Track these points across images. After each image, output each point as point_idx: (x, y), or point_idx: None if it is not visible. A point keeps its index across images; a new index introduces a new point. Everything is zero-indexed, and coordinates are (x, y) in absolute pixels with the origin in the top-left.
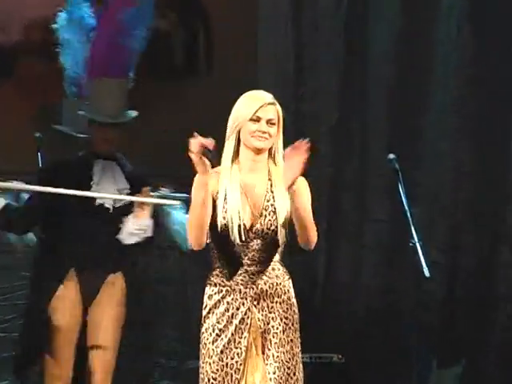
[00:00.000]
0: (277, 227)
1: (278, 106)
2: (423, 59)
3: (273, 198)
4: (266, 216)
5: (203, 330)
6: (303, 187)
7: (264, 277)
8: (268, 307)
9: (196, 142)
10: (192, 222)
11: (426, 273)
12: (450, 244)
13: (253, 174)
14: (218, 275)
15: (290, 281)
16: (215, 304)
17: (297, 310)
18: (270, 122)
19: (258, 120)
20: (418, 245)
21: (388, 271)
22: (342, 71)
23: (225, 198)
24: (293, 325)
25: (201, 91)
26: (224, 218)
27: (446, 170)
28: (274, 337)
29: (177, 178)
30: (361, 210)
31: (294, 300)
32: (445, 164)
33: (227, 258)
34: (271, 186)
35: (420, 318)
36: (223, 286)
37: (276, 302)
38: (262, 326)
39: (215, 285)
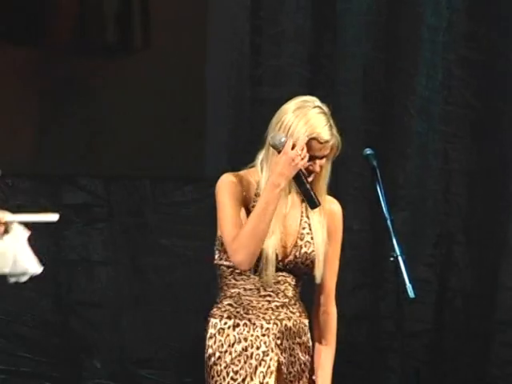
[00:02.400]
0: (312, 262)
1: (338, 137)
2: (405, 37)
3: (309, 225)
4: (301, 247)
5: (213, 373)
6: (339, 222)
7: (288, 312)
8: (290, 349)
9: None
10: (255, 232)
11: (411, 293)
12: (440, 258)
13: (288, 195)
14: (231, 305)
15: (307, 320)
16: (229, 340)
17: (311, 353)
18: (323, 157)
19: (312, 158)
20: (400, 259)
21: (366, 291)
22: (308, 50)
23: None
24: (309, 371)
25: (136, 69)
26: None
27: (435, 169)
28: None
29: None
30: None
31: (310, 343)
32: (433, 161)
33: (245, 287)
34: (306, 209)
35: (403, 348)
36: (240, 319)
37: (296, 344)
38: (286, 370)
39: (229, 317)
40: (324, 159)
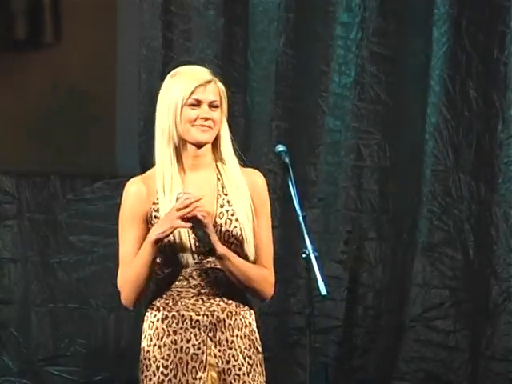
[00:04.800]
0: (238, 239)
1: (220, 84)
2: (317, 33)
3: (228, 202)
4: (221, 226)
5: (143, 367)
6: (263, 194)
7: (221, 303)
8: (227, 341)
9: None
10: (138, 275)
11: (323, 290)
12: (352, 255)
13: (196, 174)
14: (161, 297)
15: (253, 312)
16: (158, 333)
17: (260, 349)
18: (212, 105)
19: (197, 104)
20: (312, 256)
21: (276, 287)
22: (220, 46)
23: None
24: (257, 366)
25: (47, 66)
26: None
27: (347, 165)
28: (235, 380)
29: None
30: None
31: (257, 335)
32: (345, 158)
33: (174, 278)
34: (222, 187)
35: (312, 344)
36: (168, 311)
37: (237, 336)
38: (220, 364)
39: (158, 309)
40: (215, 111)
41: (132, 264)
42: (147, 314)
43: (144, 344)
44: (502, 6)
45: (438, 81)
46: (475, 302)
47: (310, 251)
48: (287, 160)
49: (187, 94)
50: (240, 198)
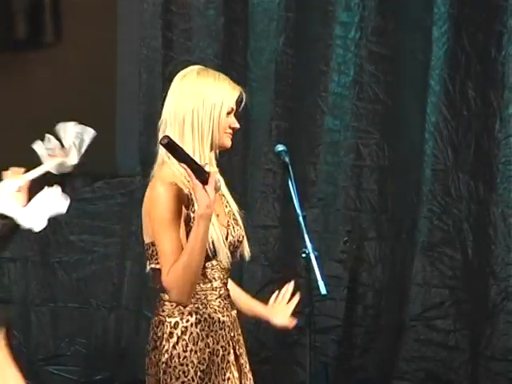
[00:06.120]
0: (243, 237)
1: None
2: (316, 33)
3: (227, 202)
4: (233, 225)
5: (178, 372)
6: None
7: (232, 303)
8: (238, 340)
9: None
10: (191, 270)
11: (323, 290)
12: (352, 255)
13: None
14: (190, 301)
15: None
16: (193, 338)
17: None
18: (234, 114)
19: (231, 112)
20: (312, 255)
21: (276, 287)
22: (220, 45)
23: None
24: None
25: (47, 66)
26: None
27: (346, 165)
28: (244, 377)
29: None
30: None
31: None
32: (344, 157)
33: (199, 282)
34: (220, 189)
35: (312, 343)
36: (201, 315)
37: (239, 335)
38: (242, 361)
39: (190, 313)
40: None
41: (185, 255)
42: (176, 319)
43: (178, 350)
44: (499, 5)
45: (438, 80)
46: (475, 301)
47: (310, 251)
48: (287, 160)
49: (231, 102)
50: (231, 200)
